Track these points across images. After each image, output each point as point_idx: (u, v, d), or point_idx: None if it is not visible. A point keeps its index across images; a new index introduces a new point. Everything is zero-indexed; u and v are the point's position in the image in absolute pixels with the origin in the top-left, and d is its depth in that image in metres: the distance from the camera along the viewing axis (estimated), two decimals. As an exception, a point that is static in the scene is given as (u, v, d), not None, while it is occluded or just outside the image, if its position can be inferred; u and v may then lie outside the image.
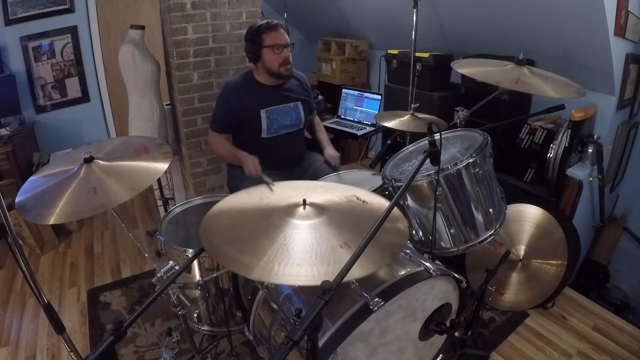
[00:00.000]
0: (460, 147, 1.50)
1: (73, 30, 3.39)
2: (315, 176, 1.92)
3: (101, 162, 1.21)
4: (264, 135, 1.91)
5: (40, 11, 3.22)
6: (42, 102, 3.43)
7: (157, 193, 2.66)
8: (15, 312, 2.13)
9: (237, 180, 1.93)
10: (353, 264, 0.77)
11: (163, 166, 1.22)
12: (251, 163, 1.80)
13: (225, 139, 1.96)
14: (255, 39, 1.80)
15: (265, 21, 1.82)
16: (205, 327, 1.59)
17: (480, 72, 1.58)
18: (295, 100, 1.97)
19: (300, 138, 2.07)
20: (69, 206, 1.08)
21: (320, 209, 0.97)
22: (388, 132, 2.48)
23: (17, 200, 1.13)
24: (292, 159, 2.04)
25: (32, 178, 1.23)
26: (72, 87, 3.53)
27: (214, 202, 1.05)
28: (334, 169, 1.99)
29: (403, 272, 1.12)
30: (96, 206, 1.09)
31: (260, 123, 1.88)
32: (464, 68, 1.66)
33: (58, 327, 1.09)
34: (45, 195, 1.14)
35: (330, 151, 2.04)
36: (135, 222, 3.05)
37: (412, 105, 2.02)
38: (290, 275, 0.81)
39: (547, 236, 1.90)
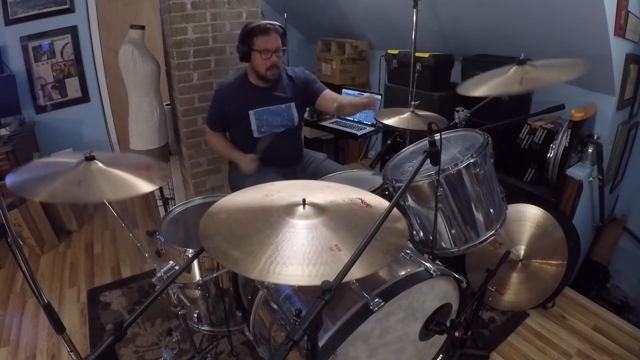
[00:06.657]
0: (460, 147, 1.49)
1: (73, 30, 3.39)
2: (316, 175, 1.92)
3: (100, 164, 1.21)
4: (255, 135, 1.91)
5: (40, 11, 3.21)
6: (42, 102, 3.42)
7: (157, 193, 2.66)
8: (15, 312, 2.13)
9: (239, 180, 1.94)
10: (353, 264, 0.76)
11: (152, 187, 1.21)
12: (247, 161, 1.83)
13: (221, 137, 2.00)
14: (246, 40, 1.80)
15: (258, 23, 1.79)
16: (205, 327, 1.59)
17: (488, 89, 1.47)
18: (288, 101, 1.96)
19: (296, 137, 2.07)
20: (47, 188, 1.10)
21: (320, 210, 0.97)
22: (388, 132, 2.48)
23: (9, 175, 1.15)
24: (289, 158, 2.03)
25: (35, 161, 1.26)
26: (72, 87, 3.53)
27: (214, 202, 1.05)
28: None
29: (403, 273, 1.12)
30: (70, 197, 1.12)
31: (250, 123, 1.89)
32: (471, 90, 1.51)
33: (58, 327, 1.08)
34: (37, 174, 1.16)
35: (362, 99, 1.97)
36: (135, 222, 3.05)
37: (413, 103, 2.00)
38: (280, 274, 0.80)
39: (547, 236, 1.90)
